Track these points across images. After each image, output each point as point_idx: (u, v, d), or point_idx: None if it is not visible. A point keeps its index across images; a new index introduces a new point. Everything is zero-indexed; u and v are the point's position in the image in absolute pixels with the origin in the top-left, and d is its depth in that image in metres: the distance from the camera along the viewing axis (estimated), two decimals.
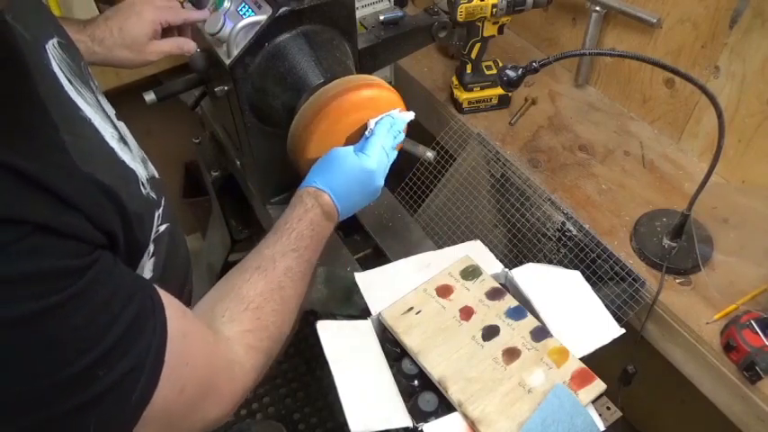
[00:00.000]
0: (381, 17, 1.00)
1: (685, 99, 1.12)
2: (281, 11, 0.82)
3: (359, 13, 0.96)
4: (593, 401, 0.73)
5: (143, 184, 0.60)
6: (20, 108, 0.46)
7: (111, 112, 0.65)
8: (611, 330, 0.80)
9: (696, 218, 0.96)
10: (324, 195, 0.76)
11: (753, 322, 0.84)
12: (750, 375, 0.83)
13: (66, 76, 0.56)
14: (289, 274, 0.69)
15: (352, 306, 0.86)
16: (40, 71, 0.52)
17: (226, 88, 0.89)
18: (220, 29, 0.85)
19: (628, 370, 0.98)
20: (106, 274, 0.47)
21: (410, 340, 0.77)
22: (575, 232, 1.02)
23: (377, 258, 1.02)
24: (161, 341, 0.50)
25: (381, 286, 0.85)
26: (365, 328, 0.81)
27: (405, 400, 0.73)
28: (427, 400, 0.73)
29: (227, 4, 0.88)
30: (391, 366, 0.77)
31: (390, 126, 0.81)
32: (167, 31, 0.92)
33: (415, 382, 0.76)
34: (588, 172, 1.14)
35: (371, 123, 0.81)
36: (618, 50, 0.95)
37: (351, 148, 0.79)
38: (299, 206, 0.75)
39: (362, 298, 0.84)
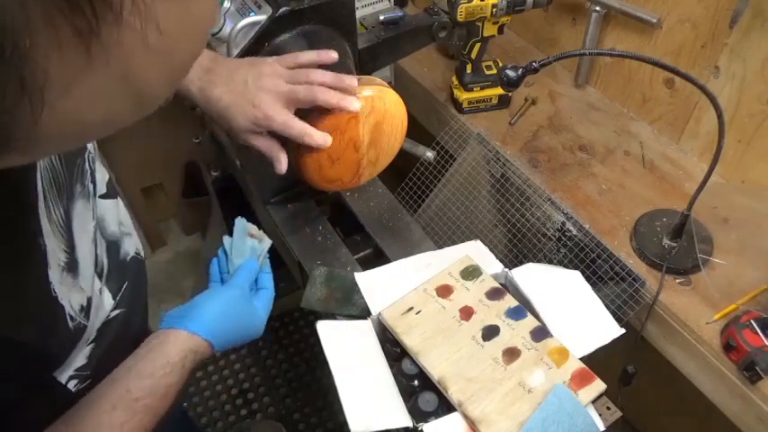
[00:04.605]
0: (381, 17, 1.00)
1: (685, 99, 1.12)
2: (281, 11, 0.82)
3: (359, 13, 0.96)
4: (593, 401, 0.73)
5: (71, 317, 0.55)
6: None
7: (91, 195, 0.61)
8: (611, 330, 0.80)
9: (696, 218, 0.97)
10: (209, 350, 0.68)
11: (753, 322, 0.84)
12: (750, 375, 0.83)
13: (43, 187, 0.52)
14: None
15: (352, 306, 0.86)
16: (24, 187, 0.50)
17: None
18: (220, 29, 0.85)
19: (628, 370, 0.98)
20: None
21: (410, 340, 0.77)
22: (575, 232, 1.02)
23: (377, 258, 1.01)
24: None
25: (381, 286, 0.85)
26: (365, 328, 0.81)
27: (405, 400, 0.73)
28: (427, 400, 0.73)
29: (227, 4, 0.88)
30: (391, 366, 0.77)
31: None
32: None
33: (415, 382, 0.76)
34: (588, 172, 1.14)
35: (264, 258, 0.86)
36: (618, 50, 0.95)
37: (251, 297, 0.77)
38: (177, 370, 0.63)
39: (362, 298, 0.84)
